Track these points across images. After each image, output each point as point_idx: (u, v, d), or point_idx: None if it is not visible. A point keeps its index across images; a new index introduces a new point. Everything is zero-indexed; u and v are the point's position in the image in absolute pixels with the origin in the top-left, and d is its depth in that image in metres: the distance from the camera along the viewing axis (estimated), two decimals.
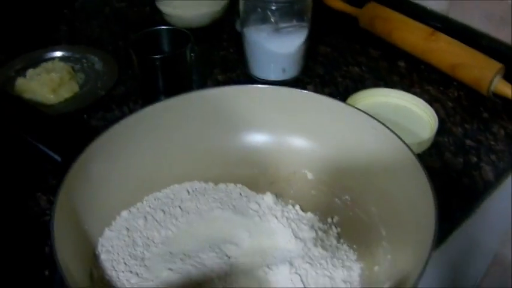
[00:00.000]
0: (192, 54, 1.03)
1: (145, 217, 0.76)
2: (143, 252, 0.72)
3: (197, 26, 1.27)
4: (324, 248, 0.72)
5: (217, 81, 1.13)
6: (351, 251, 0.73)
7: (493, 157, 0.93)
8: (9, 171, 0.88)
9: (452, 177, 0.89)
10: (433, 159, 0.92)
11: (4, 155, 0.87)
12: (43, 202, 0.85)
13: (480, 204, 0.90)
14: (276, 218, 0.76)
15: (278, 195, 0.81)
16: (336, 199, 0.80)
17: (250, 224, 0.76)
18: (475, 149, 0.95)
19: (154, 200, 0.80)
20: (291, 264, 0.69)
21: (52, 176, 0.88)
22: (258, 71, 1.11)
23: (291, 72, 1.09)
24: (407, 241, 0.67)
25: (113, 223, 0.75)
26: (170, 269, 0.68)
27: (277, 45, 1.05)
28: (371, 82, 1.11)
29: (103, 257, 0.70)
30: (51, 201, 0.83)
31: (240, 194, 0.81)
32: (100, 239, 0.73)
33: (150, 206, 0.79)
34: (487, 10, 1.12)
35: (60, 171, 0.70)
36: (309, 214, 0.78)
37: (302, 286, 0.66)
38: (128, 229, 0.75)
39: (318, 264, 0.69)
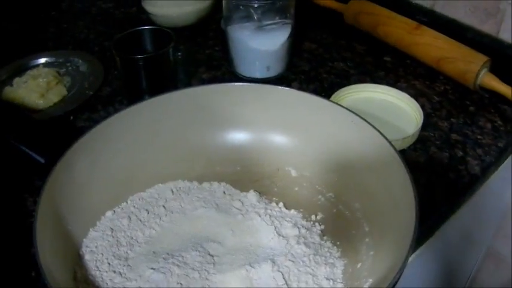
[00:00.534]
0: (179, 54, 1.03)
1: (129, 217, 0.77)
2: (127, 252, 0.72)
3: (183, 24, 1.27)
4: (306, 245, 0.72)
5: (202, 79, 1.12)
6: (335, 247, 0.73)
7: (479, 151, 0.93)
8: None
9: (438, 171, 0.89)
10: (418, 154, 0.92)
11: None
12: (29, 203, 0.85)
13: (467, 199, 0.90)
14: (259, 215, 0.77)
15: (262, 193, 0.82)
16: (320, 196, 0.81)
17: (233, 222, 0.76)
18: (461, 143, 0.94)
19: (139, 199, 0.80)
20: (273, 262, 0.69)
21: (38, 177, 0.88)
22: (243, 69, 1.11)
23: (275, 69, 1.09)
24: (389, 237, 0.67)
25: (98, 223, 0.76)
26: (153, 268, 0.68)
27: (261, 43, 1.05)
28: (357, 78, 1.11)
29: (87, 257, 0.70)
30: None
31: (224, 193, 0.81)
32: (84, 240, 0.73)
33: (134, 206, 0.79)
34: (471, 3, 1.12)
35: (45, 173, 0.70)
36: (293, 211, 0.79)
37: (284, 283, 0.66)
38: (112, 229, 0.75)
39: (301, 262, 0.70)
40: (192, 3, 1.27)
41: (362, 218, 0.74)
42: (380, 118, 0.96)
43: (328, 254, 0.72)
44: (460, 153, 0.92)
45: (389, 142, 0.72)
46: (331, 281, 0.67)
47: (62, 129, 0.97)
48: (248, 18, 1.04)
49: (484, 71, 1.02)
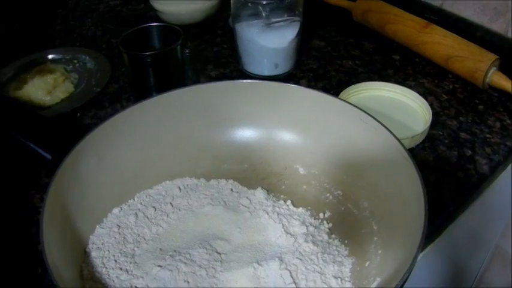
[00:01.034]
0: (187, 51, 1.03)
1: (136, 214, 0.76)
2: (134, 249, 0.71)
3: (191, 22, 1.27)
4: (314, 243, 0.72)
5: (211, 77, 1.12)
6: (343, 246, 0.73)
7: (488, 150, 0.92)
8: (3, 170, 0.88)
9: (446, 170, 0.88)
10: (426, 152, 0.91)
11: None
12: (36, 200, 0.85)
13: (475, 198, 0.89)
14: (267, 213, 0.76)
15: (270, 191, 0.82)
16: (328, 194, 0.80)
17: (241, 220, 0.76)
18: (469, 142, 0.94)
19: (146, 196, 0.80)
20: (281, 260, 0.68)
21: (45, 174, 0.88)
22: (251, 67, 1.10)
23: (283, 67, 1.09)
24: (398, 235, 0.66)
25: (104, 220, 0.75)
26: (160, 266, 0.68)
27: (269, 40, 1.04)
28: (365, 76, 1.11)
29: (93, 254, 0.70)
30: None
31: (231, 190, 0.81)
32: (91, 237, 0.73)
33: (141, 203, 0.79)
34: (481, 1, 1.12)
35: (52, 169, 0.70)
36: (301, 209, 0.78)
37: (292, 282, 0.66)
38: (119, 226, 0.74)
39: (309, 260, 0.69)
40: (200, 1, 1.27)
41: (370, 217, 0.73)
42: (388, 116, 0.95)
43: (336, 253, 0.71)
44: (469, 152, 0.92)
45: (399, 140, 0.71)
46: (339, 279, 0.67)
47: (69, 126, 0.97)
48: (256, 15, 1.03)
49: (493, 69, 1.02)
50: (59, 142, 0.76)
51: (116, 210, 0.77)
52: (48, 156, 0.76)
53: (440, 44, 1.08)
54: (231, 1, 1.06)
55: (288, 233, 0.73)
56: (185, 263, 0.68)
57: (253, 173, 0.84)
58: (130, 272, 0.68)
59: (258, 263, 0.68)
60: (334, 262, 0.69)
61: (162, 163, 0.83)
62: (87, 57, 1.18)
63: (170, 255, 0.69)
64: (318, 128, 0.83)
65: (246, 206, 0.78)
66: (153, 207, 0.78)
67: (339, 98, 0.82)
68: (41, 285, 0.73)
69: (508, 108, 1.01)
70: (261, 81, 0.86)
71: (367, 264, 0.69)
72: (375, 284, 0.64)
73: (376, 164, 0.75)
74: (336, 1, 1.31)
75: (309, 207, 0.79)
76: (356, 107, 0.78)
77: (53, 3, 1.42)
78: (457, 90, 1.06)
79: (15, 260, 0.76)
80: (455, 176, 0.88)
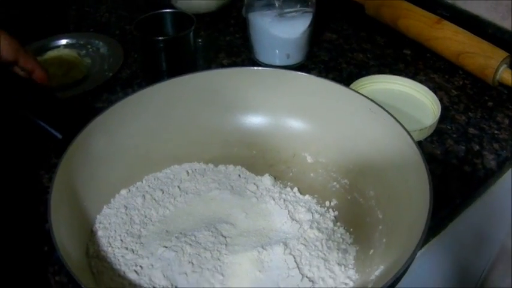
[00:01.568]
0: (200, 40, 1.03)
1: (144, 196, 0.77)
2: (140, 230, 0.72)
3: (205, 11, 1.27)
4: (319, 230, 0.72)
5: (222, 65, 1.13)
6: (347, 234, 0.73)
7: (496, 145, 0.93)
8: (13, 149, 0.89)
9: (453, 164, 0.89)
10: (434, 146, 0.92)
11: (7, 133, 0.88)
12: (45, 180, 0.86)
13: (481, 192, 0.89)
14: (273, 199, 0.77)
15: (277, 178, 0.82)
16: (335, 183, 0.81)
17: (247, 205, 0.76)
18: (477, 137, 0.94)
19: (154, 179, 0.81)
20: (286, 245, 0.69)
21: (55, 154, 0.89)
22: (262, 56, 1.11)
23: (295, 57, 1.09)
24: (402, 225, 0.67)
25: (112, 201, 0.76)
26: (165, 247, 0.68)
27: (281, 30, 1.05)
28: (376, 69, 1.11)
29: (100, 233, 0.71)
30: None
31: (239, 176, 0.82)
32: (98, 216, 0.74)
33: (149, 186, 0.80)
34: None
35: (61, 149, 0.70)
36: (307, 197, 0.79)
37: (296, 266, 0.67)
38: (126, 207, 0.75)
39: (313, 246, 0.70)
40: None
41: (376, 206, 0.74)
42: (398, 108, 0.95)
43: (341, 240, 0.72)
44: (477, 147, 0.92)
45: (407, 131, 0.72)
46: (343, 266, 0.67)
47: (81, 108, 0.98)
48: (269, 5, 1.04)
49: (504, 67, 1.02)
50: (70, 122, 0.77)
51: (123, 192, 0.78)
52: (59, 136, 0.77)
53: (451, 39, 1.08)
54: None
55: (293, 219, 0.74)
56: (190, 244, 0.69)
57: (262, 159, 0.85)
58: (135, 252, 0.69)
59: (263, 247, 0.68)
60: (338, 249, 0.70)
61: (171, 147, 0.83)
62: (101, 43, 1.19)
63: (176, 237, 0.70)
64: (327, 117, 0.83)
65: (252, 192, 0.78)
66: (161, 190, 0.78)
67: (349, 88, 0.83)
68: (48, 263, 0.74)
69: None
70: (271, 68, 0.87)
71: (371, 252, 0.69)
72: (378, 272, 0.64)
73: (384, 154, 0.76)
74: None
75: (316, 195, 0.79)
76: (366, 96, 0.78)
77: None
78: (467, 86, 1.07)
79: (22, 238, 0.77)
80: (462, 170, 0.88)
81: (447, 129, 0.95)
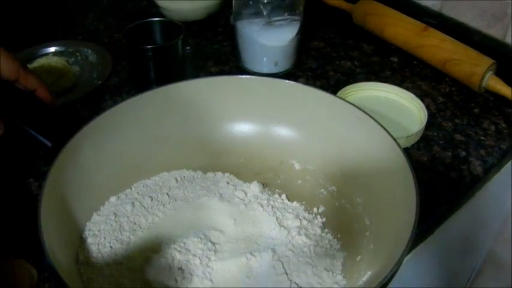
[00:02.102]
0: (188, 48, 1.04)
1: (133, 203, 0.77)
2: (129, 237, 0.72)
3: (193, 19, 1.28)
4: (307, 236, 0.73)
5: (210, 73, 1.13)
6: (335, 240, 0.74)
7: (482, 152, 0.93)
8: (2, 157, 0.89)
9: (440, 170, 0.89)
10: (421, 152, 0.92)
11: None
12: (35, 188, 0.86)
13: (468, 198, 0.90)
14: (262, 206, 0.77)
15: (265, 185, 0.82)
16: (322, 189, 0.81)
17: (236, 212, 0.77)
18: (464, 144, 0.95)
19: (143, 187, 0.81)
20: (274, 251, 0.70)
21: (45, 162, 0.89)
22: (250, 64, 1.11)
23: (283, 65, 1.10)
24: (389, 231, 0.67)
25: (101, 208, 0.76)
26: (155, 253, 0.69)
27: (269, 38, 1.05)
28: (363, 77, 1.12)
29: (90, 240, 0.71)
30: None
31: (228, 183, 0.82)
32: (88, 223, 0.74)
33: (138, 193, 0.80)
34: (479, 7, 1.13)
35: (51, 157, 0.71)
36: (295, 203, 0.79)
37: (284, 272, 0.67)
38: (115, 214, 0.75)
39: (301, 252, 0.70)
40: None
41: (363, 212, 0.75)
42: (384, 116, 0.96)
43: (329, 246, 0.72)
44: (463, 154, 0.93)
45: (394, 138, 0.72)
46: (331, 272, 0.68)
47: (70, 116, 0.98)
48: (257, 14, 1.04)
49: (490, 74, 1.03)
50: (60, 131, 0.77)
51: (113, 199, 0.78)
52: (49, 144, 0.77)
53: (438, 47, 1.09)
54: None
55: (281, 226, 0.74)
56: (179, 251, 0.69)
57: (249, 167, 0.85)
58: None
59: (251, 254, 0.69)
60: (326, 255, 0.70)
61: (160, 155, 0.84)
62: (89, 51, 1.19)
63: (165, 244, 0.70)
64: (314, 125, 0.84)
65: (241, 199, 0.79)
66: (150, 197, 0.79)
67: (336, 96, 0.83)
68: (38, 269, 0.74)
69: (503, 112, 1.02)
70: (259, 77, 0.88)
71: (358, 258, 0.70)
72: (365, 278, 0.65)
73: (371, 161, 0.76)
74: (336, 3, 1.32)
75: (303, 202, 0.80)
76: (352, 104, 0.79)
77: None
78: (453, 93, 1.08)
79: (12, 245, 0.77)
80: (448, 176, 0.89)
81: (434, 135, 0.96)
